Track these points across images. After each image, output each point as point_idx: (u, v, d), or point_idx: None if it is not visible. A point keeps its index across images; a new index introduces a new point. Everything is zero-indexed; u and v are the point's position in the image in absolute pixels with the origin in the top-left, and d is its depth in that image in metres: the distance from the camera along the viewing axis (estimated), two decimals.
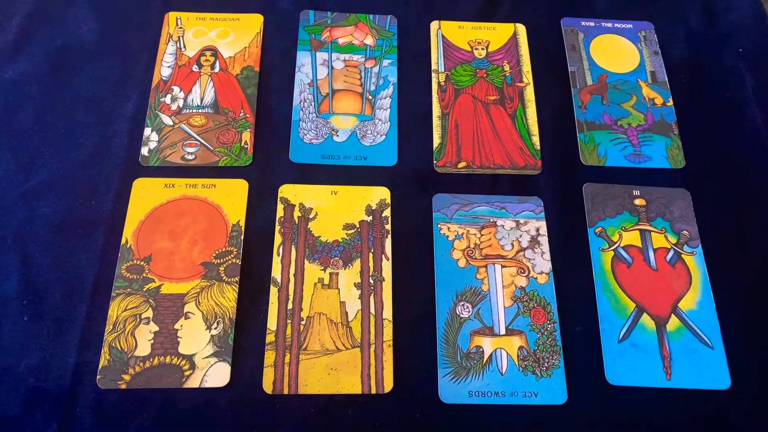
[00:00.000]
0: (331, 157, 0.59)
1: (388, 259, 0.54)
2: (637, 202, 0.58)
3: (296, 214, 0.55)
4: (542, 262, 0.54)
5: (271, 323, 0.50)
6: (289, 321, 0.51)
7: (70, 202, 0.55)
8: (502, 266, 0.54)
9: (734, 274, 0.55)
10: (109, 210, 0.55)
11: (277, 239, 0.54)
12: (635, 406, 0.49)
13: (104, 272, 0.52)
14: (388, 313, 0.52)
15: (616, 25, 0.69)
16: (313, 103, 0.61)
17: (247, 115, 0.60)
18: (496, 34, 0.68)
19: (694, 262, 0.55)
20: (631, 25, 0.69)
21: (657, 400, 0.50)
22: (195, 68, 0.63)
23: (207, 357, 0.49)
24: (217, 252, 0.53)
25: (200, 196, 0.56)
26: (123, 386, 0.47)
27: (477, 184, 0.58)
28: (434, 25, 0.68)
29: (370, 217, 0.56)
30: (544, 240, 0.55)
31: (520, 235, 0.56)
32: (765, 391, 0.50)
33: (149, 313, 0.50)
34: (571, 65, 0.66)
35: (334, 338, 0.50)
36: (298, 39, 0.65)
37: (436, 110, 0.62)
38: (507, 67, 0.65)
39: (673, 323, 0.52)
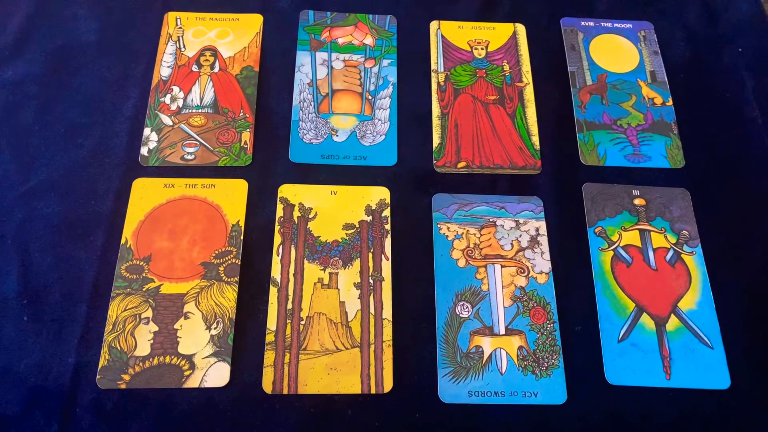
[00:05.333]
0: (331, 157, 0.59)
1: (387, 259, 0.54)
2: (637, 201, 0.58)
3: (296, 214, 0.55)
4: (542, 262, 0.54)
5: (271, 323, 0.50)
6: (288, 321, 0.51)
7: (69, 202, 0.55)
8: (502, 266, 0.54)
9: (734, 273, 0.55)
10: (108, 210, 0.55)
11: (277, 239, 0.54)
12: (635, 406, 0.49)
13: (104, 272, 0.52)
14: (387, 313, 0.52)
15: (615, 25, 0.69)
16: (312, 103, 0.61)
17: (247, 115, 0.60)
18: (495, 34, 0.68)
19: (694, 262, 0.55)
20: (630, 25, 0.69)
21: (657, 400, 0.50)
22: (194, 68, 0.63)
23: (207, 357, 0.49)
24: (216, 252, 0.53)
25: (200, 196, 0.56)
26: (123, 386, 0.48)
27: (476, 184, 0.58)
28: (434, 25, 0.68)
29: (370, 217, 0.56)
30: (543, 240, 0.55)
31: (520, 235, 0.56)
32: (765, 391, 0.50)
33: (149, 313, 0.50)
34: (570, 65, 0.66)
35: (334, 338, 0.50)
36: (298, 39, 0.65)
37: (435, 110, 0.62)
38: (506, 67, 0.65)
39: (673, 323, 0.52)
